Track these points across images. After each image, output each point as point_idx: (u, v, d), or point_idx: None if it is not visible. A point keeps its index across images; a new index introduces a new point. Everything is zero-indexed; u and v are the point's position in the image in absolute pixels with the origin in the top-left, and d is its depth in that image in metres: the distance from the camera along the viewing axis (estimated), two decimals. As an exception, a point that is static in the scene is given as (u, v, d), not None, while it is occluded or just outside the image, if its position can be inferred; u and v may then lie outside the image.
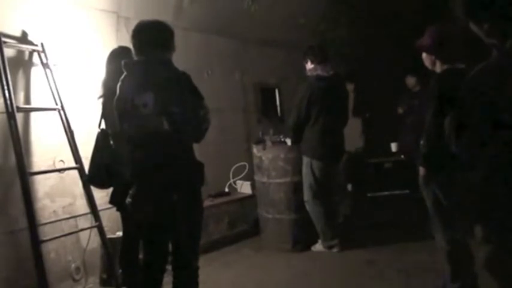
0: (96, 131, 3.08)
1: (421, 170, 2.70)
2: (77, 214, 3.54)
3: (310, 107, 4.04)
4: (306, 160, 4.12)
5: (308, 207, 4.13)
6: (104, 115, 2.99)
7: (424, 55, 2.77)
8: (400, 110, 5.95)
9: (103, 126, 3.02)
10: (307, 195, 4.12)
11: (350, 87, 5.90)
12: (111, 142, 2.94)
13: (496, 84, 1.66)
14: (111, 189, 3.08)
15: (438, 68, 2.71)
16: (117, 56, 2.86)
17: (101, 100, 3.01)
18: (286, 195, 4.24)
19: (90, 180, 3.13)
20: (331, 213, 4.15)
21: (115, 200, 2.96)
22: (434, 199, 2.69)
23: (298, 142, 4.20)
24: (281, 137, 4.55)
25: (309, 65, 4.19)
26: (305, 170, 4.12)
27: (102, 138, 2.98)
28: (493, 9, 1.69)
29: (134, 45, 2.47)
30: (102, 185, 3.11)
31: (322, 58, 4.14)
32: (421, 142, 2.67)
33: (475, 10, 1.75)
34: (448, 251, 2.70)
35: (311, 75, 4.15)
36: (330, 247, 4.11)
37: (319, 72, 4.10)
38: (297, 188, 4.19)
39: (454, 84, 2.46)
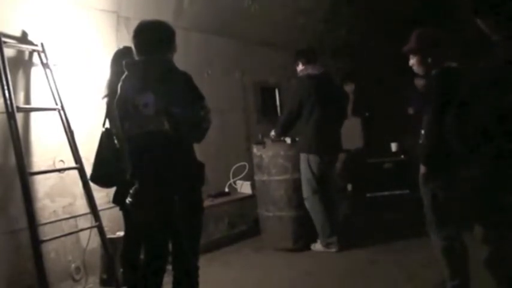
0: (97, 130, 3.08)
1: (422, 168, 2.71)
2: (77, 214, 3.54)
3: (303, 104, 4.15)
4: (303, 156, 4.18)
5: (307, 204, 4.15)
6: (109, 115, 2.99)
7: (412, 61, 2.77)
8: (411, 111, 5.97)
9: (107, 125, 3.02)
10: (306, 191, 4.15)
11: (350, 87, 5.91)
12: (115, 141, 2.94)
13: (500, 82, 1.66)
14: (111, 190, 3.08)
15: (428, 69, 2.73)
16: (122, 56, 2.85)
17: (106, 100, 3.01)
18: (287, 192, 4.26)
19: (93, 179, 3.11)
20: (330, 210, 4.16)
21: (118, 199, 2.95)
22: (433, 197, 2.70)
23: (283, 135, 4.33)
24: (281, 138, 4.57)
25: (300, 67, 4.35)
26: (303, 165, 4.16)
27: (106, 138, 2.97)
28: (500, 6, 1.69)
29: (135, 46, 2.47)
30: (105, 184, 3.10)
31: (312, 59, 4.31)
32: (422, 140, 2.68)
33: (481, 7, 1.75)
34: (444, 247, 2.71)
35: (302, 75, 4.30)
36: (328, 244, 4.12)
37: (310, 71, 4.25)
38: (297, 185, 4.21)
39: (453, 82, 2.50)
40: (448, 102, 2.44)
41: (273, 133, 4.44)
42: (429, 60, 2.70)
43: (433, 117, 2.55)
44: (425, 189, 2.74)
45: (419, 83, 5.92)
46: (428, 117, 2.59)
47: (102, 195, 3.61)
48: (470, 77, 1.79)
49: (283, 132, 4.34)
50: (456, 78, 2.56)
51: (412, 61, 2.77)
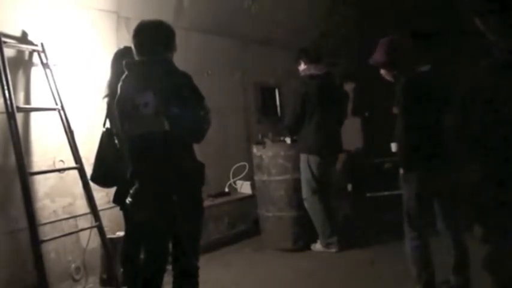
0: (97, 130, 3.08)
1: (401, 169, 2.84)
2: (77, 214, 3.54)
3: (305, 104, 4.14)
4: (303, 157, 4.18)
5: (307, 204, 4.15)
6: (109, 115, 2.99)
7: (382, 71, 2.86)
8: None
9: (108, 125, 3.02)
10: (305, 191, 4.15)
11: (350, 86, 5.91)
12: (116, 141, 2.94)
13: (499, 82, 1.67)
14: (111, 190, 3.08)
15: (396, 78, 2.82)
16: (122, 56, 2.84)
17: (106, 100, 3.01)
18: (287, 192, 4.26)
19: (93, 179, 3.11)
20: (329, 210, 4.17)
21: (118, 199, 2.95)
22: (409, 197, 2.81)
23: (296, 133, 4.28)
24: (281, 138, 4.57)
25: (302, 66, 4.32)
26: (303, 165, 4.16)
27: (106, 137, 2.97)
28: (499, 5, 1.69)
29: (135, 46, 2.47)
30: (105, 184, 3.10)
31: (314, 58, 4.28)
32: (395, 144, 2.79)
33: (481, 6, 1.76)
34: (412, 247, 2.79)
35: (305, 75, 4.27)
36: (328, 245, 4.12)
37: (313, 71, 4.23)
38: (297, 185, 4.21)
39: (417, 89, 2.60)
40: (413, 107, 2.64)
41: (288, 141, 4.39)
42: (396, 71, 2.78)
43: (400, 120, 2.73)
44: (403, 188, 2.84)
45: None
46: (398, 121, 2.69)
47: (102, 195, 3.61)
48: (473, 77, 1.79)
49: (292, 133, 4.33)
50: (422, 84, 2.64)
51: (382, 71, 2.86)
